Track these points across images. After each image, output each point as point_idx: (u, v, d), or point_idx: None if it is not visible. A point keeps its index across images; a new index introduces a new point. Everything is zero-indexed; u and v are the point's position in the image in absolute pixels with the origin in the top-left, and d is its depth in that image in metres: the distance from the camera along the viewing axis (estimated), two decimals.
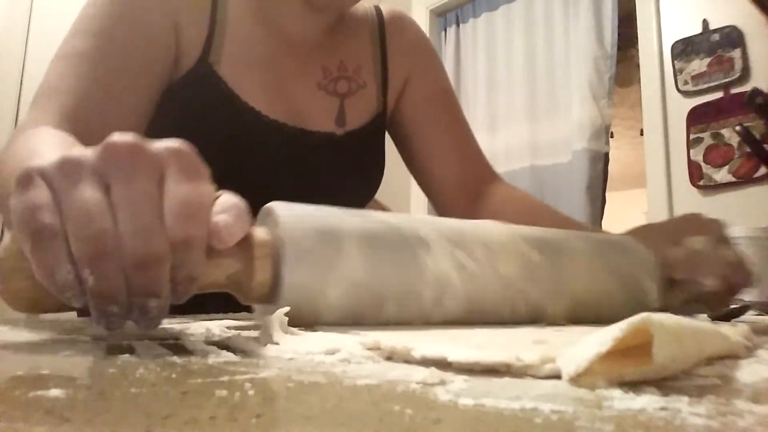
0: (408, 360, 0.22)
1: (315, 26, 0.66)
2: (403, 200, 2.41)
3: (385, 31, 0.73)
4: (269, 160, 0.62)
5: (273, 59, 0.63)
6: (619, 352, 0.17)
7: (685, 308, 0.46)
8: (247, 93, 0.60)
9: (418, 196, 2.49)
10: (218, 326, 0.34)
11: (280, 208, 0.32)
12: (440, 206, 0.75)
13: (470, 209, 0.71)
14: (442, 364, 0.20)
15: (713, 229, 0.49)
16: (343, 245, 0.31)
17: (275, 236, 0.31)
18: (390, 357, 0.22)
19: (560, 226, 0.50)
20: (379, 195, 0.78)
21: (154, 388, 0.16)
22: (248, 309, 0.36)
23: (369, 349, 0.23)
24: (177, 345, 0.26)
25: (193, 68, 0.58)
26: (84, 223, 0.24)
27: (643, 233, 0.48)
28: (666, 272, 0.44)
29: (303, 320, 0.30)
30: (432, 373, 0.18)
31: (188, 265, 0.25)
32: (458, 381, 0.18)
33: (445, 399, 0.15)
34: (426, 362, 0.21)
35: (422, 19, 2.68)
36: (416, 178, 0.76)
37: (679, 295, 0.45)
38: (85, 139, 0.40)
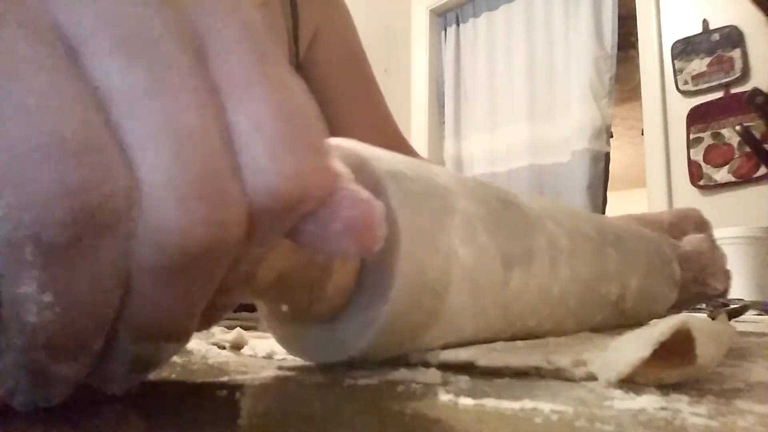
0: (427, 365, 0.20)
1: None
2: None
3: None
4: None
5: None
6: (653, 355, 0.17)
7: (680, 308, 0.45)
8: None
9: None
10: (218, 326, 0.34)
11: (375, 156, 0.19)
12: None
13: None
14: (443, 365, 0.20)
15: (708, 228, 0.47)
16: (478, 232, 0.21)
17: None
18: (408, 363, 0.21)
19: None
20: None
21: (155, 388, 0.16)
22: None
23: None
24: None
25: None
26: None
27: (644, 226, 0.42)
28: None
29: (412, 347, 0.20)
30: (432, 373, 0.18)
31: (256, 255, 0.13)
32: (458, 381, 0.18)
33: (445, 399, 0.15)
34: (447, 367, 0.20)
35: (422, 19, 2.68)
36: None
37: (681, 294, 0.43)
38: None
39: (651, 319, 0.38)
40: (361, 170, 0.18)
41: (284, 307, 0.18)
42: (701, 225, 0.46)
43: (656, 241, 0.38)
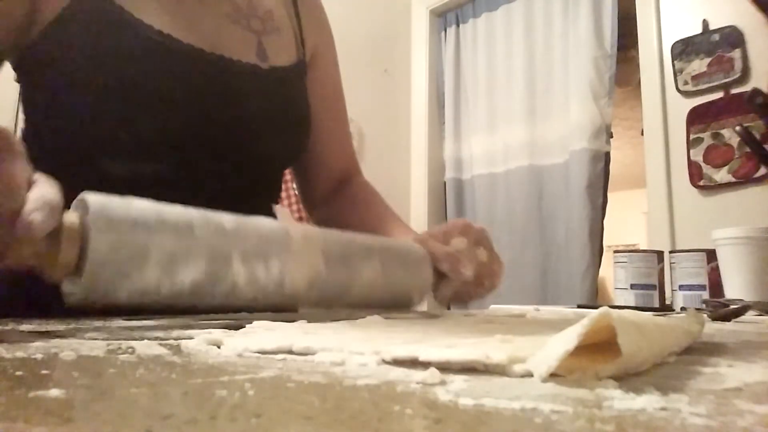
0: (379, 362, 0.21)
1: None
2: (402, 201, 2.42)
3: None
4: (190, 91, 0.54)
5: None
6: (593, 350, 0.18)
7: (451, 302, 0.58)
8: (152, 17, 0.52)
9: (417, 194, 2.49)
10: (219, 327, 0.34)
11: (91, 197, 0.35)
12: (306, 185, 0.77)
13: (332, 194, 0.76)
14: (441, 365, 0.20)
15: (475, 233, 0.58)
16: (149, 235, 0.36)
17: (85, 221, 0.34)
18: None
19: (388, 222, 0.68)
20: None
21: (154, 388, 0.16)
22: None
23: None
24: (177, 345, 0.26)
25: None
26: None
27: (422, 237, 0.58)
28: (435, 265, 0.55)
29: (103, 299, 0.35)
30: (432, 373, 0.18)
31: None
32: (458, 381, 0.18)
33: (445, 399, 0.15)
34: (396, 363, 0.21)
35: (422, 19, 2.68)
36: None
37: (446, 289, 0.56)
38: None
39: (416, 296, 0.54)
40: (82, 206, 0.35)
41: (37, 269, 0.34)
42: (466, 231, 0.58)
43: (413, 248, 0.55)
